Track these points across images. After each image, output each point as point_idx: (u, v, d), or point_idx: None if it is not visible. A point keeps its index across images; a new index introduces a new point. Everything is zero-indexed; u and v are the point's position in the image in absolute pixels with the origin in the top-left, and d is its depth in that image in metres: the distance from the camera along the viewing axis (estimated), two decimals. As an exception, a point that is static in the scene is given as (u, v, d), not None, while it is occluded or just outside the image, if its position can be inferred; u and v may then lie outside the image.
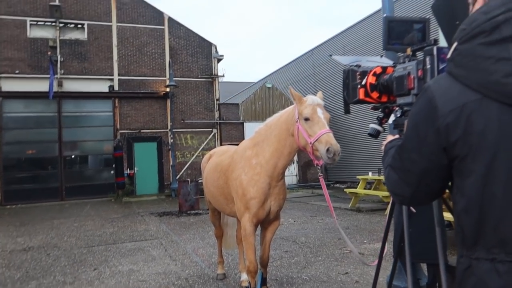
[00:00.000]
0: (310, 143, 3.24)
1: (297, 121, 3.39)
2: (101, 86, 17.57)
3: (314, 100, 3.43)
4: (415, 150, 1.18)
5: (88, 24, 17.48)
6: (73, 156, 17.56)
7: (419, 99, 1.21)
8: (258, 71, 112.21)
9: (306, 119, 3.32)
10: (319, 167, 3.43)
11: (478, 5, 1.22)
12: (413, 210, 3.41)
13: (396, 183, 1.25)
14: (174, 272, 5.47)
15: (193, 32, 19.24)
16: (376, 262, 4.05)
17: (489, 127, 1.05)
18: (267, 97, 19.68)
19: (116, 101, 17.63)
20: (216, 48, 19.50)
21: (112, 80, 17.69)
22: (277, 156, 3.59)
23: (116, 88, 17.65)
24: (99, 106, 17.73)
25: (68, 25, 17.27)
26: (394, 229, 3.66)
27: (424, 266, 4.62)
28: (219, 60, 19.69)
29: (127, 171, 17.13)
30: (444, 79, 1.17)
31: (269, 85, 20.06)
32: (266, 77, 28.57)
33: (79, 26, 17.42)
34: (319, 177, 3.60)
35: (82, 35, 17.45)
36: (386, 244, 2.42)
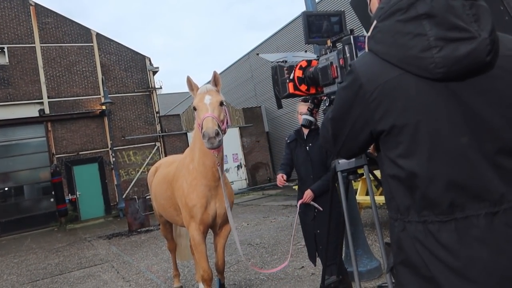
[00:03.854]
0: (201, 132, 3.14)
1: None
2: (30, 111, 16.52)
3: (203, 89, 3.38)
4: (344, 122, 1.26)
5: (8, 47, 16.39)
6: (6, 189, 16.28)
7: (347, 77, 1.26)
8: (197, 79, 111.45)
9: (195, 109, 3.31)
10: (216, 155, 3.34)
11: (376, 0, 1.32)
12: (320, 208, 3.53)
13: (326, 140, 1.39)
14: (129, 293, 5.27)
15: (125, 47, 18.71)
16: (275, 269, 4.23)
17: (410, 100, 1.11)
18: (207, 105, 19.59)
19: (49, 125, 16.68)
20: (150, 60, 19.10)
21: (41, 103, 16.71)
22: (203, 155, 3.53)
23: (47, 111, 16.69)
24: (30, 132, 16.64)
25: (-14, 49, 16.12)
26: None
27: (373, 251, 4.83)
28: (154, 73, 19.30)
29: (68, 197, 16.23)
30: (366, 56, 1.23)
31: (209, 93, 19.98)
32: (206, 84, 28.44)
33: (-1, 50, 16.32)
34: (217, 165, 3.45)
35: (3, 59, 16.33)
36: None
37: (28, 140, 16.75)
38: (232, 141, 19.61)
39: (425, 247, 1.12)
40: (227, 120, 3.34)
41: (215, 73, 3.41)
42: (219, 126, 3.11)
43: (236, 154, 19.83)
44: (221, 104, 3.30)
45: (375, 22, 1.20)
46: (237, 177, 19.55)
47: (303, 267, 5.21)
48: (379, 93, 1.14)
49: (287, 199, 13.15)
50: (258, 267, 4.91)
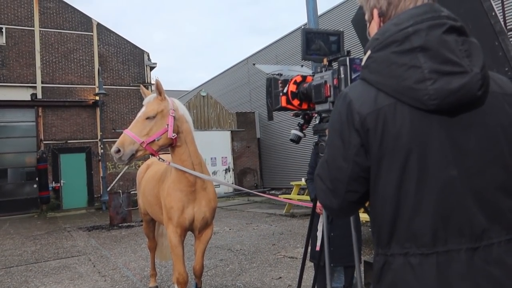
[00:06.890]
0: None
1: None
2: (23, 94, 16.36)
3: (145, 100, 3.54)
4: (341, 156, 1.19)
5: (6, 28, 16.25)
6: (-11, 170, 16.09)
7: (338, 105, 1.23)
8: (192, 79, 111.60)
9: None
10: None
11: (375, 24, 1.32)
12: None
13: (325, 194, 1.25)
14: (103, 288, 5.22)
15: (124, 39, 18.66)
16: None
17: (403, 129, 1.11)
18: (201, 106, 19.59)
19: (40, 110, 16.52)
20: (148, 55, 19.06)
21: (35, 87, 16.56)
22: (174, 160, 3.62)
23: (39, 96, 16.54)
24: (20, 116, 16.48)
25: (-17, 28, 15.95)
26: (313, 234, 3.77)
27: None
28: (152, 68, 19.26)
29: (52, 185, 16.05)
30: (359, 85, 1.22)
31: (204, 94, 19.99)
32: (201, 85, 28.45)
33: (-4, 29, 16.16)
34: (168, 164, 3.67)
35: (0, 40, 16.18)
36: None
37: (17, 123, 16.58)
38: (223, 144, 19.59)
39: (404, 282, 1.11)
40: (166, 130, 3.37)
41: (157, 81, 3.48)
42: (132, 142, 3.26)
43: (226, 157, 19.80)
44: (150, 117, 3.36)
45: (369, 52, 1.20)
46: (223, 180, 19.50)
47: (280, 277, 5.21)
48: (372, 119, 1.13)
49: (272, 207, 13.15)
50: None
